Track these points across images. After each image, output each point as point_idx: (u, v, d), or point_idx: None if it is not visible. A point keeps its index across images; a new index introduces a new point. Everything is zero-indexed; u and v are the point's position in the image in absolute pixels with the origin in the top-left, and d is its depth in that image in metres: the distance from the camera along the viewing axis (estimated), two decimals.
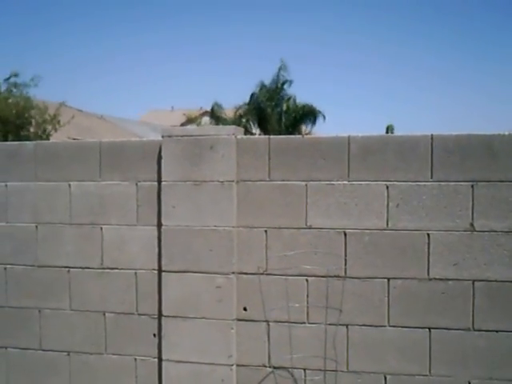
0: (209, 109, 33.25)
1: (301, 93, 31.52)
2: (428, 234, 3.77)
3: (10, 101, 20.95)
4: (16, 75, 21.68)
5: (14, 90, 21.57)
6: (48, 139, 20.44)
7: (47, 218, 4.38)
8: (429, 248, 3.77)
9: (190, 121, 37.53)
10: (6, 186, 4.45)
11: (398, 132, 30.18)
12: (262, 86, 29.62)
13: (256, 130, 28.97)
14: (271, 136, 4.09)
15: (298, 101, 29.62)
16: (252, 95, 29.89)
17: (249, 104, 29.80)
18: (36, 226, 4.41)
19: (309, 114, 29.25)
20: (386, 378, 3.83)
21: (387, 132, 31.49)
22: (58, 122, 21.99)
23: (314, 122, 29.68)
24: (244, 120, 28.56)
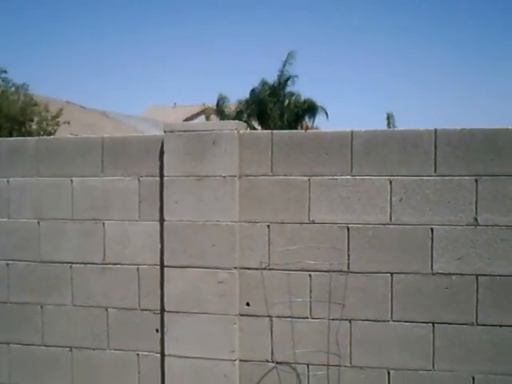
0: (211, 105, 33.17)
1: (302, 89, 31.43)
2: (431, 229, 3.75)
3: (12, 97, 20.89)
4: (5, 71, 21.51)
5: (14, 90, 21.45)
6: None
7: (49, 213, 4.38)
8: (432, 242, 3.76)
9: (202, 112, 37.23)
10: (8, 181, 4.45)
11: (398, 124, 30.10)
12: (264, 82, 29.48)
13: (258, 126, 28.86)
14: (274, 131, 4.07)
15: (300, 96, 29.51)
16: (253, 90, 29.78)
17: (250, 100, 29.68)
18: (38, 222, 4.40)
19: (311, 109, 29.15)
20: (389, 373, 3.82)
21: (388, 121, 31.37)
22: (57, 123, 21.93)
23: (314, 117, 29.54)
24: (245, 115, 28.46)
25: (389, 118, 31.84)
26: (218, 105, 30.80)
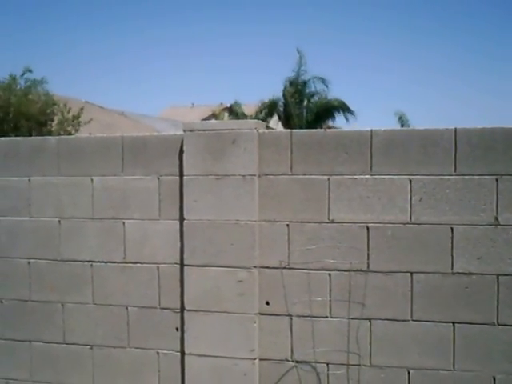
0: (229, 105, 33.22)
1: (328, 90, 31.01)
2: (451, 228, 3.74)
3: (31, 97, 20.98)
4: (30, 71, 21.58)
5: (34, 88, 21.51)
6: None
7: (70, 212, 4.41)
8: (452, 242, 3.74)
9: (213, 115, 37.40)
10: (30, 180, 4.48)
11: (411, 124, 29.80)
12: (286, 82, 29.37)
13: (276, 126, 28.82)
14: (293, 130, 4.07)
15: (323, 96, 29.30)
16: (274, 91, 29.72)
17: (270, 100, 29.61)
18: (59, 221, 4.43)
19: (334, 109, 28.89)
20: (409, 373, 3.80)
21: (401, 121, 31.05)
22: (79, 123, 22.04)
23: (345, 115, 29.18)
24: (264, 115, 28.40)
25: (401, 117, 31.48)
26: (231, 106, 30.95)
